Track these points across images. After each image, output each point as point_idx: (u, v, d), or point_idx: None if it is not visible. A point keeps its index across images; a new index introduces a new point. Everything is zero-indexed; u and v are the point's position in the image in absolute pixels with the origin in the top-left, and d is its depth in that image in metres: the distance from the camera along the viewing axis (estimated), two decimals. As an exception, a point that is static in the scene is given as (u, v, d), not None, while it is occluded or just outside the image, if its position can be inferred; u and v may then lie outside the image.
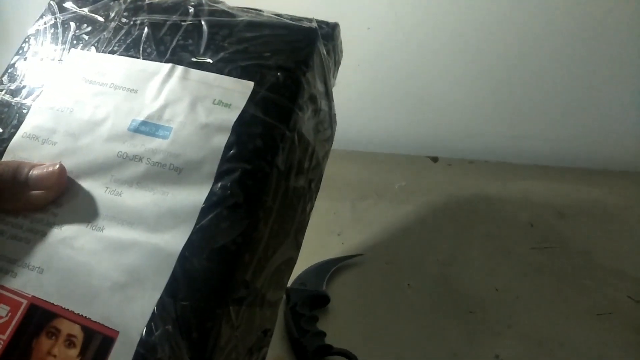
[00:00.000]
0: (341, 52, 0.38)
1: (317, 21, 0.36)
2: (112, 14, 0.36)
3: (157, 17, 0.35)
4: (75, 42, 0.35)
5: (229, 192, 0.28)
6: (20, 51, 0.36)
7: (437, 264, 0.58)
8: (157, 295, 0.26)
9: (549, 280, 0.57)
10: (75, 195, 0.29)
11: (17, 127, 0.32)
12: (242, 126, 0.30)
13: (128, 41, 0.34)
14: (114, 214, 0.28)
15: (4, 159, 0.31)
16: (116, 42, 0.34)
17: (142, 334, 0.25)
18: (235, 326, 0.27)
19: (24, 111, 0.32)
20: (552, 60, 0.87)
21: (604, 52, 0.87)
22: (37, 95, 0.33)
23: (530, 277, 0.57)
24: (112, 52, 0.34)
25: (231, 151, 0.29)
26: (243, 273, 0.28)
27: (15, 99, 0.33)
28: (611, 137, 0.93)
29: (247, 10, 0.36)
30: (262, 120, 0.30)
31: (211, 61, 0.32)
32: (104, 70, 0.33)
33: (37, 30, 0.36)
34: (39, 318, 0.26)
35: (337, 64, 0.38)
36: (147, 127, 0.31)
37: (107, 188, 0.29)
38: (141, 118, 0.31)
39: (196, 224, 0.27)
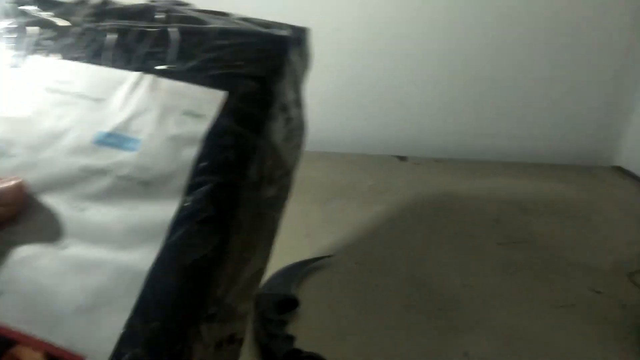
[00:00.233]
0: (310, 56, 0.38)
1: (287, 26, 0.35)
2: (76, 19, 0.34)
3: (124, 23, 0.33)
4: (35, 47, 0.33)
5: (199, 206, 0.27)
6: None
7: (407, 263, 0.58)
8: (125, 316, 0.24)
9: (515, 275, 0.58)
10: (35, 212, 0.27)
11: None
12: (213, 137, 0.29)
13: (93, 48, 0.32)
14: (78, 231, 0.27)
15: None
16: (80, 49, 0.32)
17: (110, 358, 0.24)
18: (207, 344, 0.27)
19: None
20: (515, 60, 0.89)
21: (567, 52, 0.89)
22: None
23: (498, 273, 0.58)
24: (76, 59, 0.32)
25: (202, 164, 0.28)
26: (215, 289, 0.27)
27: None
28: (572, 133, 0.95)
29: (217, 16, 0.35)
30: (233, 131, 0.29)
31: (181, 70, 0.31)
32: (67, 78, 0.31)
33: None
34: None
35: (306, 68, 0.37)
36: (113, 139, 0.29)
37: (71, 204, 0.28)
38: (107, 129, 0.29)
39: (165, 240, 0.26)
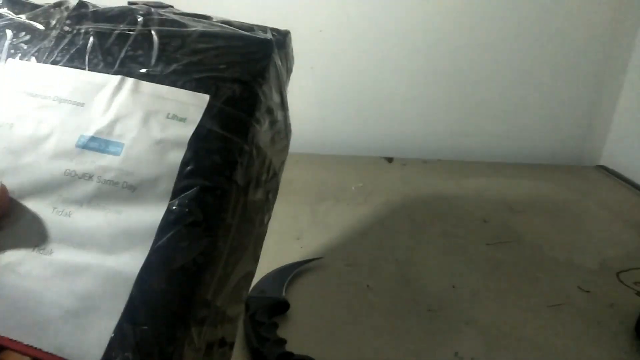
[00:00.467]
0: (292, 59, 0.38)
1: (269, 28, 0.35)
2: (53, 22, 0.33)
3: (104, 26, 0.33)
4: (12, 51, 0.32)
5: (187, 210, 0.27)
6: None
7: (396, 264, 0.58)
8: (114, 321, 0.24)
9: (503, 275, 0.58)
10: (19, 217, 0.27)
11: None
12: (199, 141, 0.29)
13: (72, 51, 0.32)
14: (64, 236, 0.27)
15: None
16: (59, 52, 0.32)
17: None
18: (197, 348, 0.26)
19: None
20: (500, 60, 0.90)
21: (550, 52, 0.90)
22: None
23: (486, 273, 0.58)
24: (55, 63, 0.32)
25: (188, 167, 0.28)
26: (204, 293, 0.27)
27: None
28: (557, 134, 0.96)
29: (198, 19, 0.34)
30: (219, 135, 0.29)
31: (163, 73, 0.31)
32: (47, 82, 0.31)
33: None
34: None
35: (289, 71, 0.37)
36: (96, 143, 0.29)
37: (55, 208, 0.27)
38: (90, 133, 0.29)
39: (153, 244, 0.26)
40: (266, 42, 0.33)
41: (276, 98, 0.34)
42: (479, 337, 0.48)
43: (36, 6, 0.35)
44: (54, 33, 0.33)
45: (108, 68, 0.31)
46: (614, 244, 0.67)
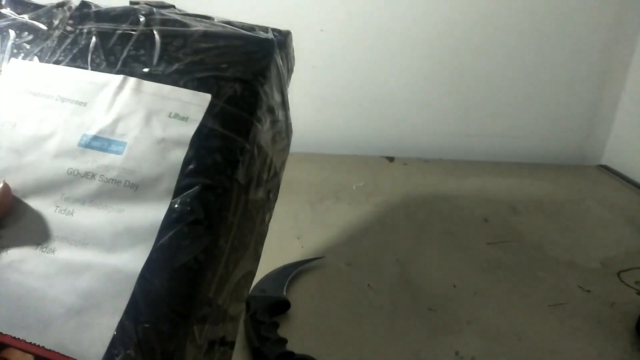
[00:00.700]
0: (293, 59, 0.38)
1: (270, 28, 0.35)
2: (56, 22, 0.33)
3: (106, 26, 0.33)
4: (15, 51, 0.32)
5: (188, 208, 0.27)
6: None
7: (397, 263, 0.58)
8: (116, 319, 0.25)
9: (504, 274, 0.58)
10: (21, 215, 0.27)
11: None
12: (201, 140, 0.29)
13: (74, 51, 0.32)
14: (66, 234, 0.27)
15: None
16: (61, 52, 0.32)
17: None
18: (199, 345, 0.27)
19: None
20: (501, 60, 0.90)
21: (552, 51, 0.90)
22: None
23: (487, 272, 0.58)
24: (57, 63, 0.32)
25: (190, 166, 0.28)
26: (206, 291, 0.27)
27: None
28: (559, 133, 0.96)
29: (200, 19, 0.34)
30: (220, 134, 0.29)
31: (165, 73, 0.31)
32: (49, 82, 0.31)
33: None
34: None
35: (289, 71, 0.37)
36: (99, 142, 0.29)
37: (58, 207, 0.27)
38: (92, 133, 0.29)
39: (155, 242, 0.26)
40: (267, 41, 0.33)
41: (277, 97, 0.34)
42: (479, 336, 0.48)
43: (39, 6, 0.35)
44: (57, 33, 0.33)
45: (110, 68, 0.31)
46: (615, 243, 0.66)
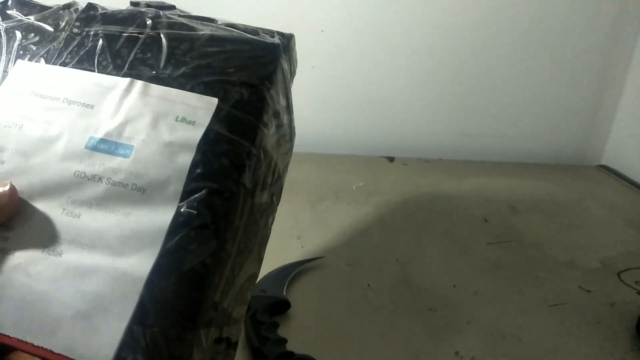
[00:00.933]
0: (296, 62, 0.38)
1: (274, 31, 0.35)
2: (62, 24, 0.33)
3: (112, 29, 0.33)
4: (21, 52, 0.32)
5: (196, 212, 0.27)
6: None
7: (397, 263, 0.58)
8: (124, 323, 0.24)
9: (504, 274, 0.58)
10: (28, 217, 0.27)
11: None
12: (208, 144, 0.29)
13: (81, 53, 0.32)
14: (73, 237, 0.27)
15: None
16: (68, 54, 0.32)
17: None
18: (205, 349, 0.27)
19: None
20: (501, 60, 0.90)
21: (552, 51, 0.90)
22: None
23: (487, 272, 0.58)
24: (64, 64, 0.32)
25: (197, 170, 0.28)
26: (212, 295, 0.27)
27: None
28: (558, 133, 0.96)
29: (204, 22, 0.34)
30: (227, 138, 0.30)
31: (172, 76, 0.31)
32: (56, 84, 0.31)
33: None
34: None
35: (292, 74, 0.37)
36: (106, 145, 0.29)
37: (64, 209, 0.27)
38: (99, 135, 0.29)
39: (162, 246, 0.26)
40: (274, 46, 0.33)
41: (282, 102, 0.34)
42: (479, 336, 0.48)
43: (45, 7, 0.34)
44: (63, 35, 0.33)
45: (117, 70, 0.31)
46: (615, 243, 0.67)
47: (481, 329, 0.49)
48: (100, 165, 0.28)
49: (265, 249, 0.35)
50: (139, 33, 0.32)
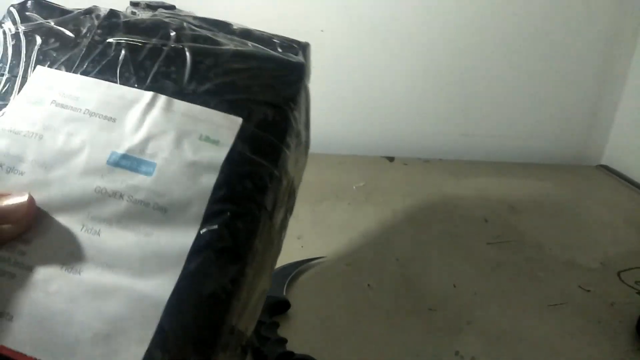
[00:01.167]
0: (310, 72, 0.36)
1: (289, 40, 0.34)
2: (84, 30, 0.32)
3: (136, 39, 0.32)
4: (41, 57, 0.31)
5: (217, 235, 0.27)
6: None
7: (397, 264, 0.58)
8: (144, 347, 0.24)
9: (504, 274, 0.58)
10: (46, 232, 0.26)
11: None
12: (231, 165, 0.28)
13: (103, 63, 0.31)
14: (93, 255, 0.26)
15: None
16: (89, 63, 0.31)
17: None
18: None
19: None
20: (501, 60, 0.90)
21: (552, 51, 0.90)
22: None
23: (487, 272, 0.58)
24: (85, 73, 0.30)
25: (220, 192, 0.28)
26: (230, 319, 0.26)
27: None
28: (558, 133, 0.96)
29: (222, 29, 0.33)
30: (250, 159, 0.29)
31: (196, 92, 0.30)
32: (77, 94, 0.30)
33: None
34: None
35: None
36: (128, 162, 0.28)
37: (84, 226, 0.26)
38: (121, 151, 0.28)
39: (183, 269, 0.26)
40: (299, 65, 0.33)
41: (303, 119, 0.34)
42: (479, 336, 0.48)
43: (66, 11, 0.33)
44: (85, 42, 0.32)
45: (140, 83, 0.30)
46: (615, 243, 0.67)
47: (481, 329, 0.49)
48: (121, 182, 0.27)
49: (276, 263, 0.35)
50: (162, 45, 0.32)
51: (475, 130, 0.93)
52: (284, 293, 0.50)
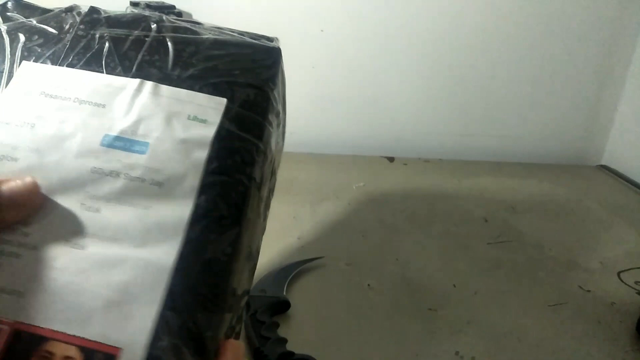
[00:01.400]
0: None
1: (259, 35, 0.36)
2: (66, 26, 0.33)
3: (118, 31, 0.33)
4: (26, 54, 0.32)
5: (214, 204, 0.29)
6: None
7: (397, 263, 0.58)
8: (155, 309, 0.25)
9: (504, 274, 0.58)
10: (47, 213, 0.27)
11: None
12: (220, 141, 0.31)
13: (88, 55, 0.32)
14: (95, 230, 0.27)
15: None
16: (74, 56, 0.32)
17: (145, 348, 0.24)
18: (227, 334, 0.28)
19: None
20: (501, 60, 0.90)
21: (552, 51, 0.90)
22: None
23: (487, 272, 0.58)
24: (71, 66, 0.32)
25: (212, 165, 0.30)
26: (232, 281, 0.28)
27: None
28: (558, 133, 0.96)
29: (209, 28, 0.35)
30: (237, 136, 0.31)
31: (181, 77, 0.32)
32: (65, 85, 0.31)
33: None
34: (26, 344, 0.24)
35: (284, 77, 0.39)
36: (121, 142, 0.29)
37: (83, 204, 0.28)
38: (114, 133, 0.30)
39: (184, 236, 0.27)
40: (274, 49, 0.35)
41: (281, 101, 0.36)
42: (479, 336, 0.48)
43: (46, 10, 0.34)
44: (68, 37, 0.33)
45: (125, 72, 0.32)
46: (615, 243, 0.67)
47: (481, 329, 0.49)
48: (117, 162, 0.29)
49: (261, 241, 0.36)
50: (144, 36, 0.33)
51: (475, 130, 0.93)
52: (284, 293, 0.50)
